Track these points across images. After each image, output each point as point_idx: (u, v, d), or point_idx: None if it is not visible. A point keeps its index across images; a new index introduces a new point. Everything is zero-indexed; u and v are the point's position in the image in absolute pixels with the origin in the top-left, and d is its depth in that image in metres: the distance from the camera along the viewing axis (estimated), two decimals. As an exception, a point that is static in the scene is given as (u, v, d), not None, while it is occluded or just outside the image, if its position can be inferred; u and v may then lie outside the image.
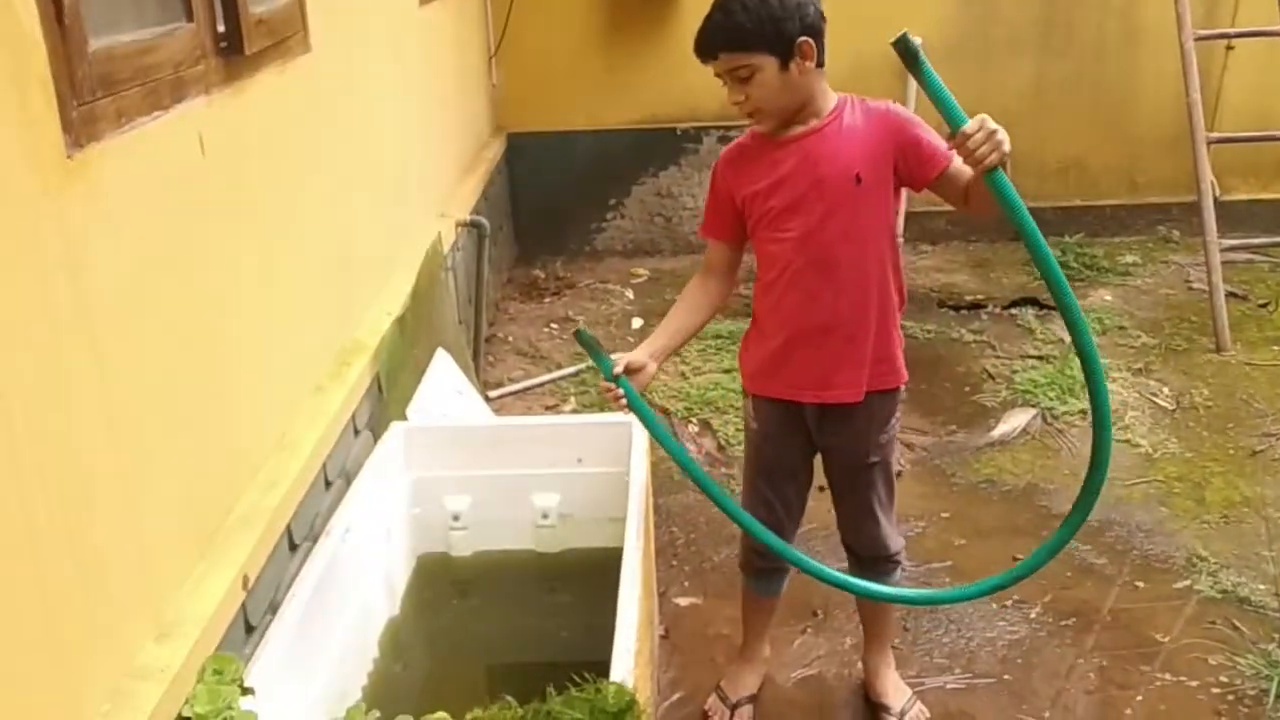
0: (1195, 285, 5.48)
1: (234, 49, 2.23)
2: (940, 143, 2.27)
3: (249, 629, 2.10)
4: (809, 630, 3.11)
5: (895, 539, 2.65)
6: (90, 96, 1.67)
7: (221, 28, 2.21)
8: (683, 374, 4.73)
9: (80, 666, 1.60)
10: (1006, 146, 1.89)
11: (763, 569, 2.75)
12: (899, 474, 3.66)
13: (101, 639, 1.66)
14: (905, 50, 1.87)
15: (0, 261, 1.43)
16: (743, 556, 2.81)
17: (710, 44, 2.25)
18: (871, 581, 2.55)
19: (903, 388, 2.54)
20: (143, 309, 1.82)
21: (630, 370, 2.32)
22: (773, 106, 2.30)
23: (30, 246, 1.51)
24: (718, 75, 2.29)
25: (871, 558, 2.65)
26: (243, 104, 2.28)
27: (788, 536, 2.65)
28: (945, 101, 1.87)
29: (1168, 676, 2.89)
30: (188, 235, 2.01)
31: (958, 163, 2.19)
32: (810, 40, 2.22)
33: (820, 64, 2.27)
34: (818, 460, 2.64)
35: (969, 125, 1.88)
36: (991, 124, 1.88)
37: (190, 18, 2.09)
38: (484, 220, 4.63)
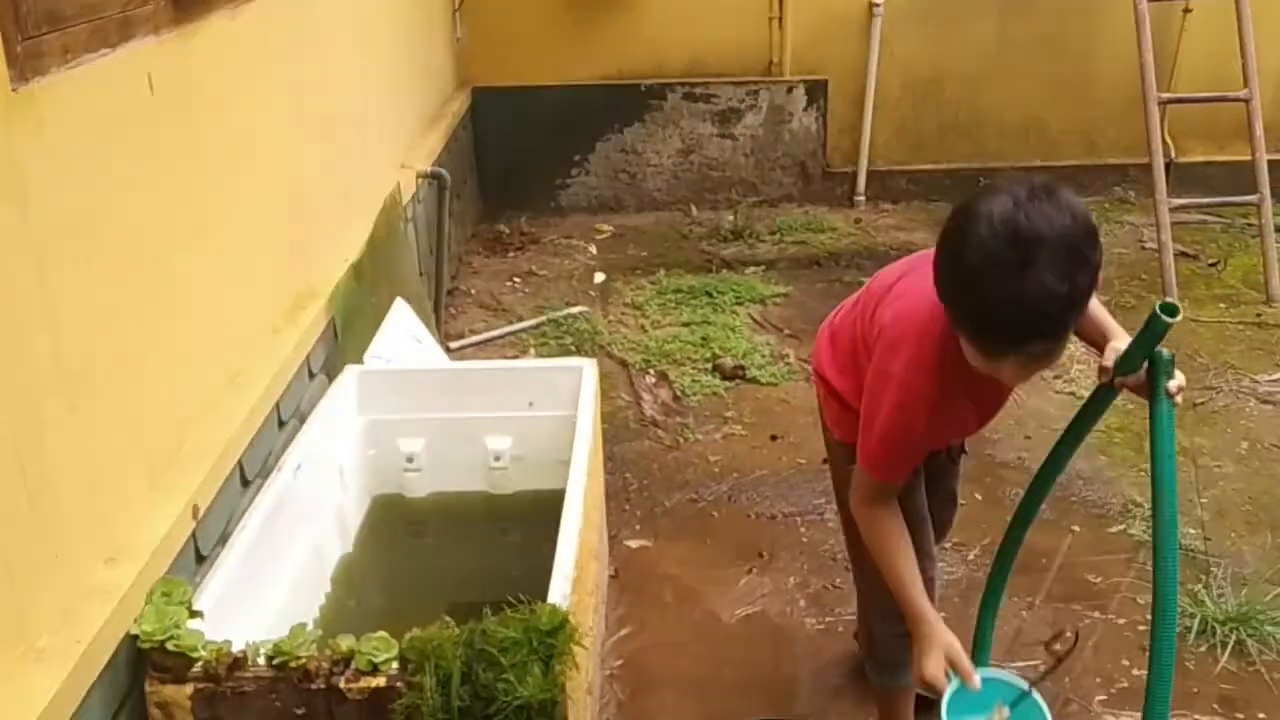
0: (1147, 245, 5.57)
1: (183, -9, 2.26)
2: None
3: (200, 558, 2.16)
4: (754, 570, 3.20)
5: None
6: (35, 31, 1.71)
7: (171, -30, 2.24)
8: (642, 327, 4.79)
9: (28, 585, 1.66)
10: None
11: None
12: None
13: (51, 560, 1.72)
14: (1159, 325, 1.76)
15: (-56, 188, 1.47)
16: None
17: (1052, 326, 1.71)
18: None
19: None
20: (92, 242, 1.86)
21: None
22: None
23: (-26, 175, 1.55)
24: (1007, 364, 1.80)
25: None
26: (192, 47, 2.31)
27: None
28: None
29: (1098, 615, 3.00)
30: (137, 172, 2.05)
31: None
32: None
33: None
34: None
35: (1170, 385, 1.86)
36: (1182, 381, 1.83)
37: (139, -41, 2.11)
38: (444, 172, 4.66)
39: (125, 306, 1.99)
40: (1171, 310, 1.75)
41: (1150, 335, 1.81)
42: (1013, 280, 1.64)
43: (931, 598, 2.13)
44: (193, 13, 2.31)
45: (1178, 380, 1.86)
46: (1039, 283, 1.63)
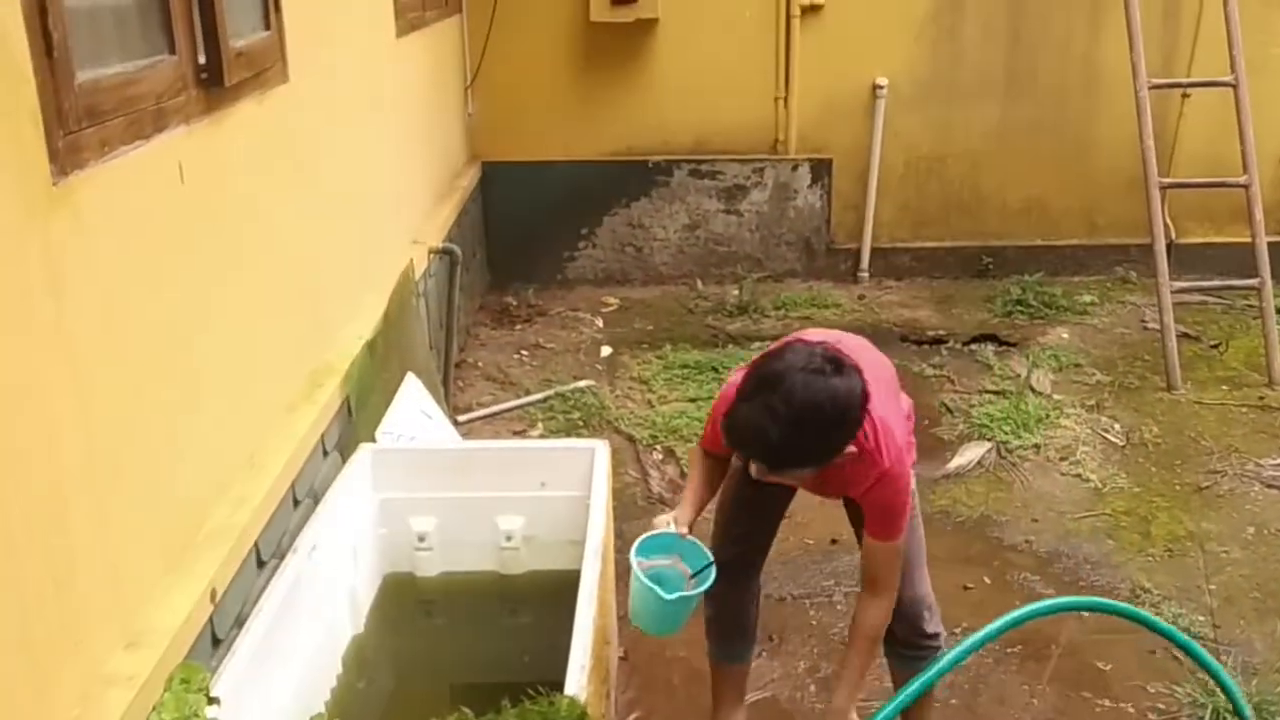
0: (1150, 325, 5.62)
1: (214, 80, 2.32)
2: (891, 525, 2.31)
3: (215, 642, 2.16)
4: (764, 654, 3.19)
5: (934, 620, 2.58)
6: (76, 126, 1.75)
7: (203, 59, 2.30)
8: (649, 402, 4.82)
9: (52, 671, 1.67)
10: None
11: (720, 625, 2.72)
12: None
13: (72, 646, 1.73)
14: None
15: (-13, 283, 1.50)
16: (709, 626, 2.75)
17: (748, 453, 2.16)
18: (906, 667, 2.58)
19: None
20: (120, 330, 1.90)
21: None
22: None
23: (14, 270, 1.58)
24: None
25: (905, 636, 2.56)
26: (222, 134, 2.37)
27: (754, 580, 2.70)
28: None
29: (1107, 703, 2.99)
30: (165, 260, 2.08)
31: (883, 552, 2.34)
32: (853, 445, 2.14)
33: None
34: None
35: None
36: None
37: (173, 50, 2.17)
38: (456, 248, 4.72)
39: (150, 392, 2.01)
40: None
41: None
42: (739, 402, 2.12)
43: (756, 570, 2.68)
44: (223, 100, 2.37)
45: None
46: (745, 412, 2.08)
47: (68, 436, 1.72)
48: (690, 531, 2.35)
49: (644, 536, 2.30)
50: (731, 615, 2.72)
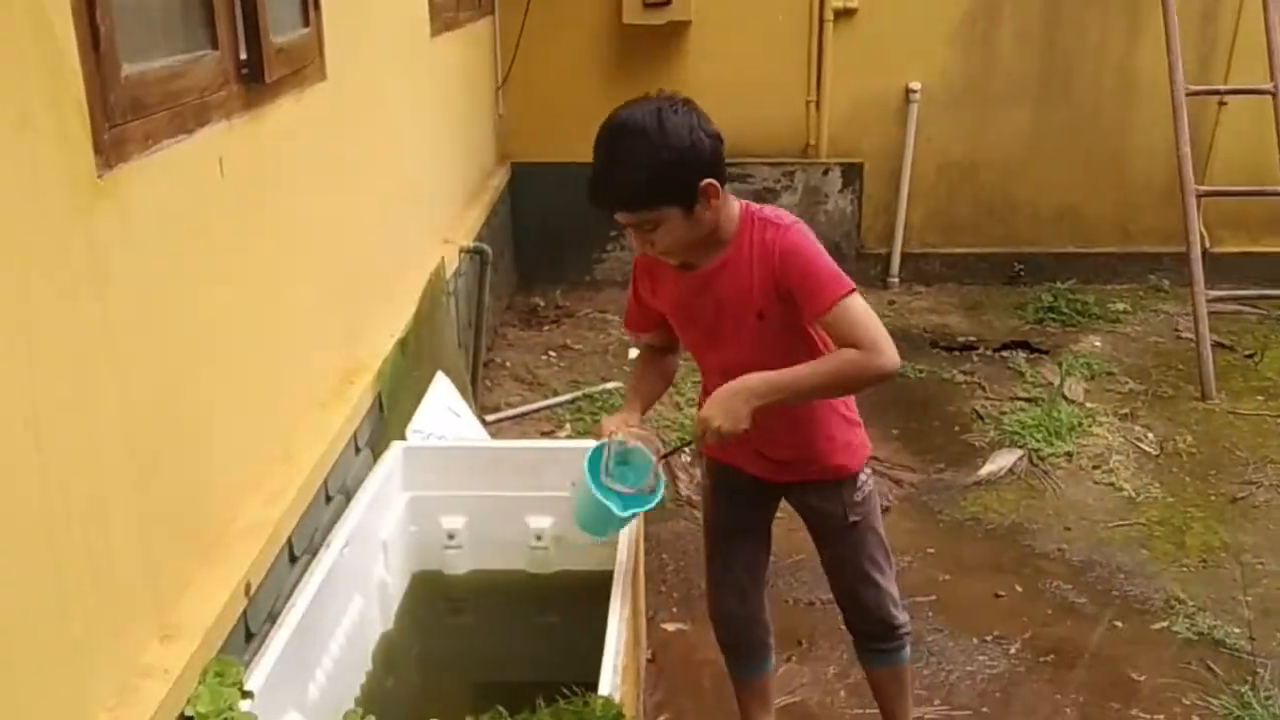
0: (1183, 334, 5.57)
1: (255, 76, 2.32)
2: (829, 279, 2.10)
3: (249, 635, 2.16)
4: (793, 659, 3.17)
5: (901, 611, 2.52)
6: (121, 120, 1.76)
7: (244, 55, 2.30)
8: (676, 404, 4.80)
9: (90, 663, 1.67)
10: None
11: (730, 644, 2.70)
12: (886, 509, 3.72)
13: (110, 638, 1.73)
14: None
15: (33, 276, 1.51)
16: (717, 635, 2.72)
17: (605, 201, 2.10)
18: (878, 658, 2.56)
19: (856, 473, 2.40)
20: (160, 324, 1.90)
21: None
22: (679, 248, 2.17)
23: (60, 262, 1.59)
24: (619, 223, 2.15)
25: (877, 633, 2.53)
26: (261, 129, 2.37)
27: (751, 598, 2.62)
28: None
29: (1142, 715, 2.95)
30: (203, 254, 2.09)
31: (845, 307, 2.08)
32: (713, 180, 2.07)
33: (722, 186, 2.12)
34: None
35: None
36: None
37: (215, 45, 2.18)
38: (486, 247, 4.72)
39: (189, 386, 2.02)
40: None
41: None
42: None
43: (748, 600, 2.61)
44: (263, 97, 2.38)
45: None
46: (597, 169, 2.09)
47: (109, 430, 1.72)
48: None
49: (594, 446, 2.28)
50: (741, 635, 2.68)
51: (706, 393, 2.34)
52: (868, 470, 2.45)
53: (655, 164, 2.03)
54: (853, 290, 2.10)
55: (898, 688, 2.63)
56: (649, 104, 2.08)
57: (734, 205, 2.20)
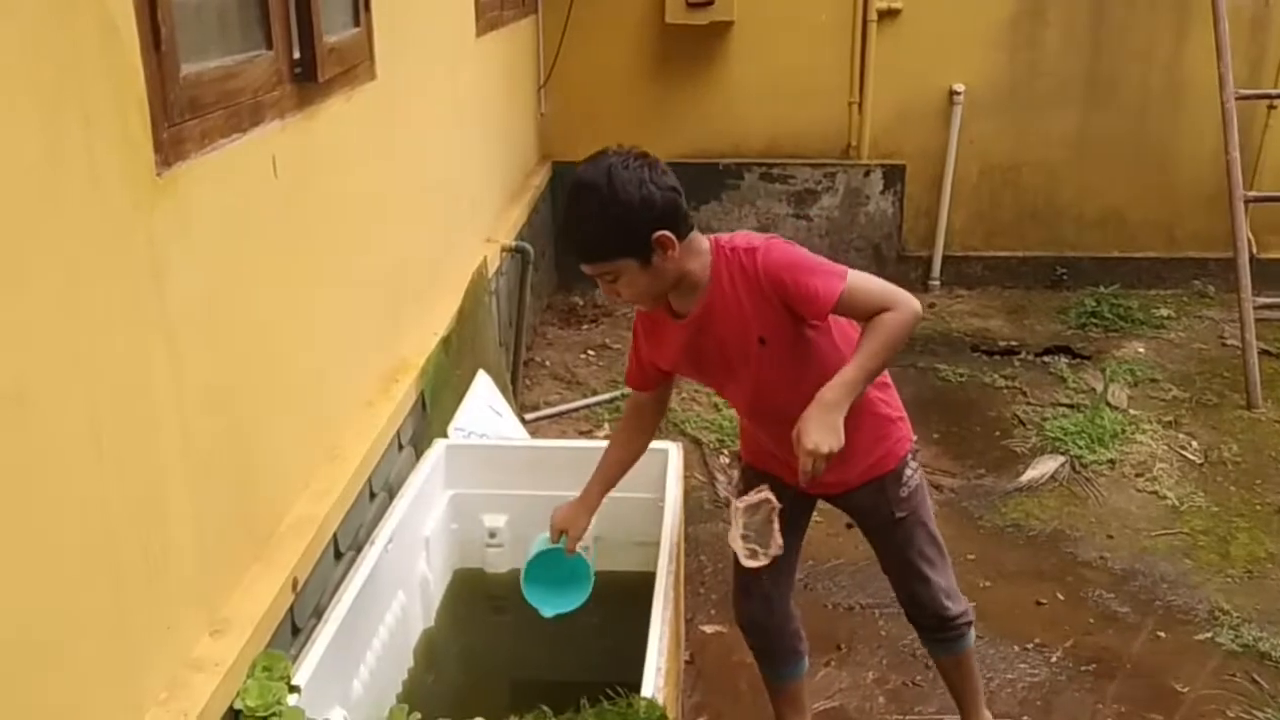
0: (1229, 341, 5.50)
1: (308, 76, 2.35)
2: (821, 275, 2.14)
3: (295, 630, 2.18)
4: (832, 663, 3.16)
5: (956, 601, 2.53)
6: (180, 118, 1.78)
7: (297, 55, 2.32)
8: (715, 405, 4.79)
9: (144, 655, 1.70)
10: None
11: (761, 649, 2.73)
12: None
13: (163, 631, 1.76)
14: None
15: (95, 272, 1.53)
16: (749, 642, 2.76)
17: (570, 253, 2.19)
18: (938, 648, 2.61)
19: (903, 458, 2.43)
20: (215, 321, 1.93)
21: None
22: (646, 297, 2.22)
23: (122, 259, 1.61)
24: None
25: (933, 625, 2.56)
26: (313, 128, 2.40)
27: (778, 606, 2.64)
28: None
29: (1185, 726, 2.93)
30: (257, 252, 2.11)
31: (850, 290, 2.12)
32: (665, 231, 2.10)
33: (684, 237, 2.15)
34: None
35: None
36: None
37: (270, 45, 2.20)
38: (528, 246, 4.73)
39: (241, 384, 2.04)
40: None
41: None
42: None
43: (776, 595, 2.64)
44: (315, 96, 2.40)
45: None
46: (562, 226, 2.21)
47: (167, 426, 1.75)
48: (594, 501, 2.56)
49: (535, 552, 2.59)
50: (770, 642, 2.70)
51: (744, 417, 2.53)
52: (915, 464, 2.46)
53: (605, 219, 2.08)
54: (846, 273, 2.14)
55: (960, 675, 2.67)
56: (604, 160, 2.12)
57: (702, 245, 2.21)
